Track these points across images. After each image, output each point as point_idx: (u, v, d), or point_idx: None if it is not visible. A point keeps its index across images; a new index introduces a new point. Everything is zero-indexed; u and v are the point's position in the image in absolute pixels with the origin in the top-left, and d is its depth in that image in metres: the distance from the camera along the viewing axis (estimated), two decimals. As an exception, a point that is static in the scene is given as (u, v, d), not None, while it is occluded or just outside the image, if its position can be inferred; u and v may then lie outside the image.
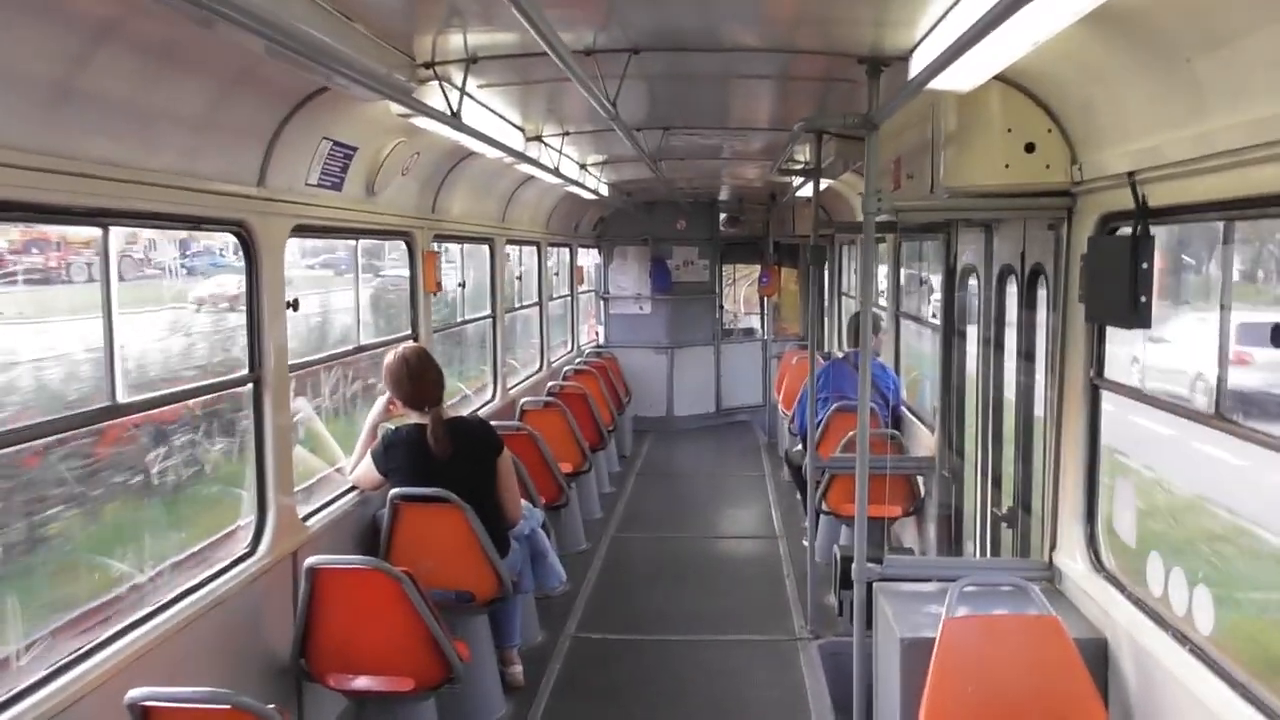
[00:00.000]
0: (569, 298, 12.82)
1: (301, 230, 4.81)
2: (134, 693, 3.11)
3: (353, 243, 6.14)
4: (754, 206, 14.16)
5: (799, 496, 8.90)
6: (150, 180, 3.53)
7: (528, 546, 5.71)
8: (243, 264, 4.40)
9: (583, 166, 9.18)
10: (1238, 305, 3.33)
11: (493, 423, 5.89)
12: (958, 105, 4.33)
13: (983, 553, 5.54)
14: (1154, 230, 3.39)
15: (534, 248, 10.55)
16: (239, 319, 4.48)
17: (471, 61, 4.57)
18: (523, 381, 9.81)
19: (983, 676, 3.62)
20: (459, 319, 8.27)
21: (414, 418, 5.24)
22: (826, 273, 12.69)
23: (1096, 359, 4.03)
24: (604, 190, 10.38)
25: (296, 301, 4.66)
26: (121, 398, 3.56)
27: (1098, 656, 3.73)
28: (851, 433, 6.65)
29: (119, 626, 3.53)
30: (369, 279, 7.49)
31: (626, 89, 4.81)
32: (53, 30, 2.84)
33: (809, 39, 4.57)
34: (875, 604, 4.37)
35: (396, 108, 4.56)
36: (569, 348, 12.83)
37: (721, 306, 14.70)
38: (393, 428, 5.36)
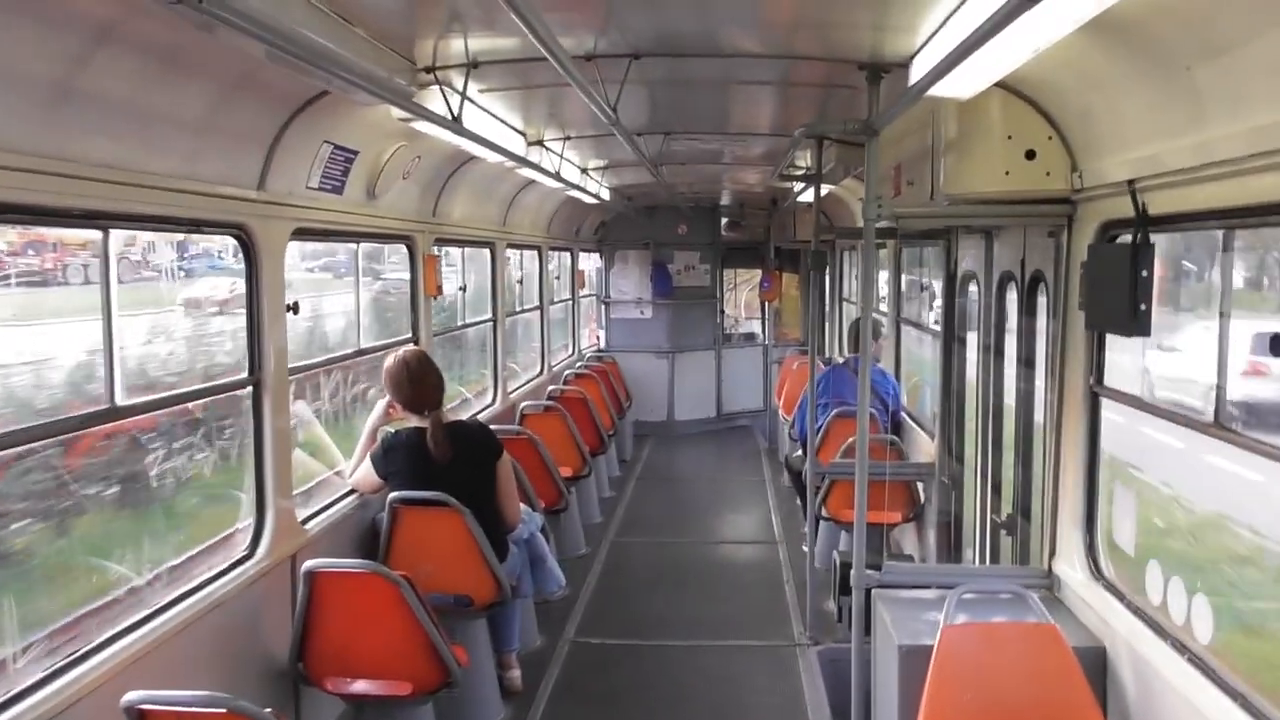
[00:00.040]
0: (570, 302, 12.83)
1: (302, 233, 4.81)
2: (130, 696, 3.10)
3: (353, 246, 6.14)
4: (755, 211, 14.13)
5: (799, 502, 8.89)
6: (150, 183, 3.53)
7: (527, 551, 5.71)
8: (242, 267, 4.41)
9: (584, 171, 9.17)
10: (1254, 314, 3.30)
11: (493, 426, 5.89)
12: (958, 112, 4.34)
13: (982, 560, 5.53)
14: (1155, 238, 3.39)
15: (535, 252, 10.56)
16: (226, 323, 4.43)
17: (472, 66, 4.58)
18: (523, 385, 9.80)
19: (981, 684, 3.61)
20: (459, 323, 8.27)
21: (414, 421, 5.25)
22: (827, 278, 12.70)
23: (1096, 366, 4.03)
24: (605, 195, 10.38)
25: (297, 305, 4.67)
26: (121, 400, 3.56)
27: (1096, 665, 3.72)
28: (851, 438, 6.62)
29: (116, 629, 3.52)
30: (369, 282, 7.47)
31: (627, 94, 4.81)
32: (53, 31, 2.84)
33: (809, 45, 4.57)
34: (874, 610, 4.37)
35: (397, 112, 4.57)
36: (570, 352, 12.83)
37: (722, 311, 14.67)
38: (392, 431, 5.35)
